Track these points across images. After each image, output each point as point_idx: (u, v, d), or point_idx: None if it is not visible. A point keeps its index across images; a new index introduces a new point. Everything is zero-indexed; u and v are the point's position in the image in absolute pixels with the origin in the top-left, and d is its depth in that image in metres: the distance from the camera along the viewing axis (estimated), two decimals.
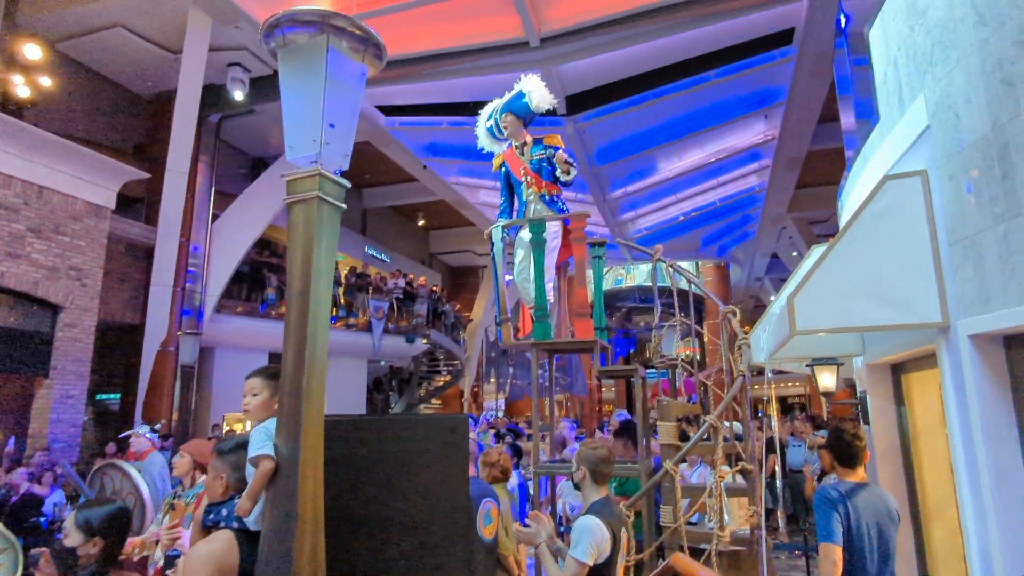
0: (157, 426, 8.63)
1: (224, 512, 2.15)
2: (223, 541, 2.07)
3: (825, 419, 14.07)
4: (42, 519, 6.42)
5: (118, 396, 10.76)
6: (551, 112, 4.95)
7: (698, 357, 19.79)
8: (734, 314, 4.81)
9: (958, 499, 2.71)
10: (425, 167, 13.47)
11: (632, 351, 25.42)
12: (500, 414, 21.69)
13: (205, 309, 11.01)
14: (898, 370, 3.88)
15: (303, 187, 2.19)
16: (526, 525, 3.14)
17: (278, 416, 2.15)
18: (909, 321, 2.75)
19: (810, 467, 8.76)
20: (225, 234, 11.49)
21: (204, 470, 3.59)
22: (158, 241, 10.56)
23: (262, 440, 2.12)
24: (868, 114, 4.11)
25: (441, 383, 19.57)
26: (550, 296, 4.69)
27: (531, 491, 5.26)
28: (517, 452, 6.44)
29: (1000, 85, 2.29)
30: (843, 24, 6.13)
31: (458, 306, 20.17)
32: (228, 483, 2.21)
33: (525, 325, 4.93)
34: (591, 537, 2.79)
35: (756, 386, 12.29)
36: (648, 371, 6.30)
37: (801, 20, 8.70)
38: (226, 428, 10.59)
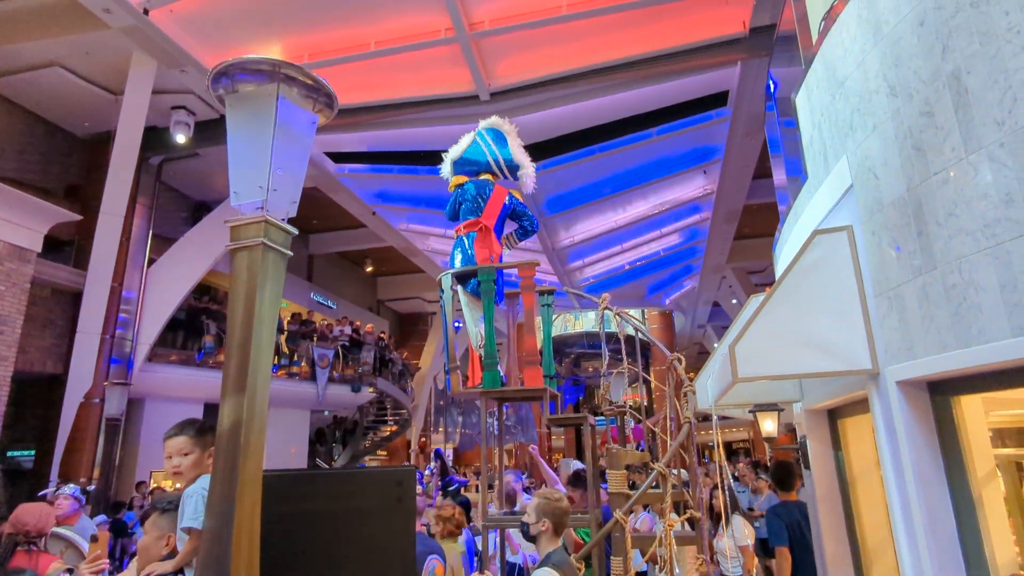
0: (87, 486, 8.01)
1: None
2: None
3: (768, 464, 14.36)
4: None
5: (32, 453, 9.95)
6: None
7: (646, 403, 20.01)
8: (680, 361, 4.91)
9: (895, 543, 2.79)
10: (374, 213, 13.44)
11: (581, 398, 25.52)
12: (450, 463, 21.21)
13: (136, 358, 10.46)
14: (835, 415, 4.02)
15: (248, 233, 2.14)
16: None
17: (212, 474, 2.04)
18: (842, 368, 2.87)
19: (757, 511, 8.91)
20: (162, 279, 11.05)
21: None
22: (87, 286, 10.04)
23: (198, 507, 2.01)
24: (798, 171, 4.38)
25: (387, 433, 19.02)
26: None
27: (478, 546, 5.11)
28: (466, 507, 6.27)
29: (912, 150, 2.49)
30: (772, 89, 6.57)
31: (406, 354, 19.86)
32: (174, 544, 2.07)
33: (475, 373, 4.89)
34: None
35: (702, 432, 12.48)
36: (597, 419, 6.32)
37: (734, 84, 9.29)
38: (152, 485, 9.92)
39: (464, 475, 15.26)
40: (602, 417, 6.50)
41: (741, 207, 13.13)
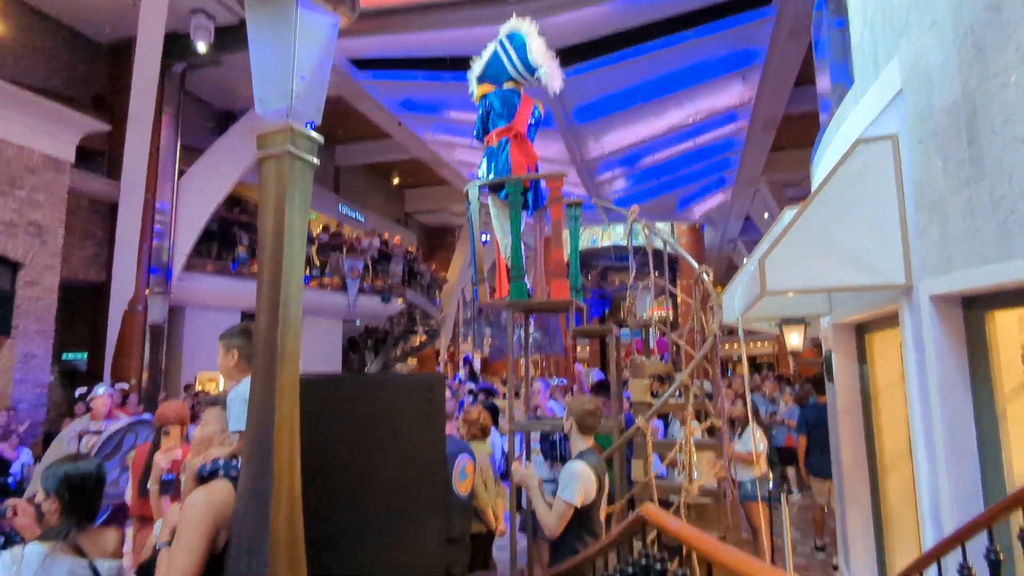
0: (128, 387, 8.53)
1: (221, 461, 2.16)
2: (223, 490, 2.09)
3: (792, 377, 14.51)
4: (10, 479, 6.36)
5: (85, 356, 10.56)
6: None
7: (671, 317, 20.13)
8: (707, 273, 4.89)
9: (913, 452, 2.85)
10: (400, 123, 13.19)
11: (607, 311, 25.71)
12: (479, 371, 21.91)
13: (174, 268, 10.78)
14: (862, 330, 4.00)
15: (274, 142, 2.13)
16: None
17: (252, 380, 2.14)
18: (874, 282, 2.82)
19: (780, 418, 9.12)
20: (192, 190, 11.17)
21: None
22: (122, 197, 10.22)
23: (239, 411, 2.14)
24: (844, 77, 4.12)
25: (417, 343, 19.61)
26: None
27: (507, 449, 5.36)
28: (493, 410, 6.53)
29: (971, 50, 2.31)
30: None
31: (434, 266, 20.11)
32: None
33: (502, 286, 4.94)
34: (579, 481, 2.98)
35: (727, 345, 12.59)
36: (622, 331, 6.41)
37: None
38: (198, 387, 10.51)
39: (493, 383, 15.80)
40: (627, 329, 6.59)
41: (780, 115, 12.52)
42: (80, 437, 4.82)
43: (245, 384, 2.22)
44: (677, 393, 4.14)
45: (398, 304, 16.06)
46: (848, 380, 4.10)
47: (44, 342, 8.79)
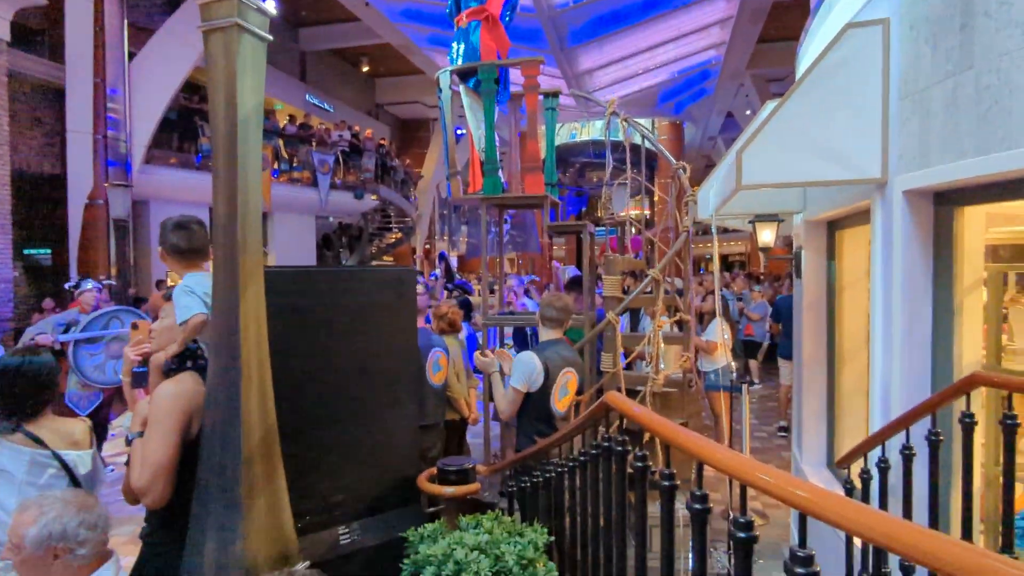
0: (105, 279, 8.37)
1: (187, 351, 2.15)
2: (193, 381, 2.09)
3: (761, 275, 14.86)
4: None
5: (49, 251, 10.27)
6: None
7: (647, 215, 20.15)
8: (684, 170, 4.81)
9: (870, 344, 2.95)
10: (368, 3, 12.27)
11: (584, 209, 25.60)
12: (455, 268, 21.98)
13: (133, 160, 10.29)
14: (833, 227, 4.03)
15: (219, 12, 1.95)
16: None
17: (214, 267, 2.08)
18: (850, 177, 2.79)
19: (749, 312, 9.43)
20: (145, 75, 10.42)
21: None
22: (68, 81, 9.54)
23: (184, 300, 2.09)
24: None
25: (392, 240, 19.47)
26: None
27: (480, 342, 5.47)
28: (466, 306, 6.60)
29: None
30: None
31: (408, 161, 19.55)
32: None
33: (475, 180, 4.81)
34: (523, 368, 3.19)
35: (700, 244, 12.73)
36: (597, 229, 6.39)
37: None
38: (170, 283, 10.36)
39: (469, 280, 15.90)
40: (603, 227, 6.57)
41: (769, 5, 11.92)
42: (68, 328, 4.80)
43: (187, 279, 2.16)
44: (649, 288, 4.19)
45: (371, 200, 15.74)
46: (815, 276, 4.18)
47: (2, 236, 8.50)
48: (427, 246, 22.40)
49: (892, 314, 2.66)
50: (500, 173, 4.60)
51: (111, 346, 5.04)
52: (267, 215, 13.72)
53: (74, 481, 2.16)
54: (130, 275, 10.40)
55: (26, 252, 9.86)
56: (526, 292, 8.86)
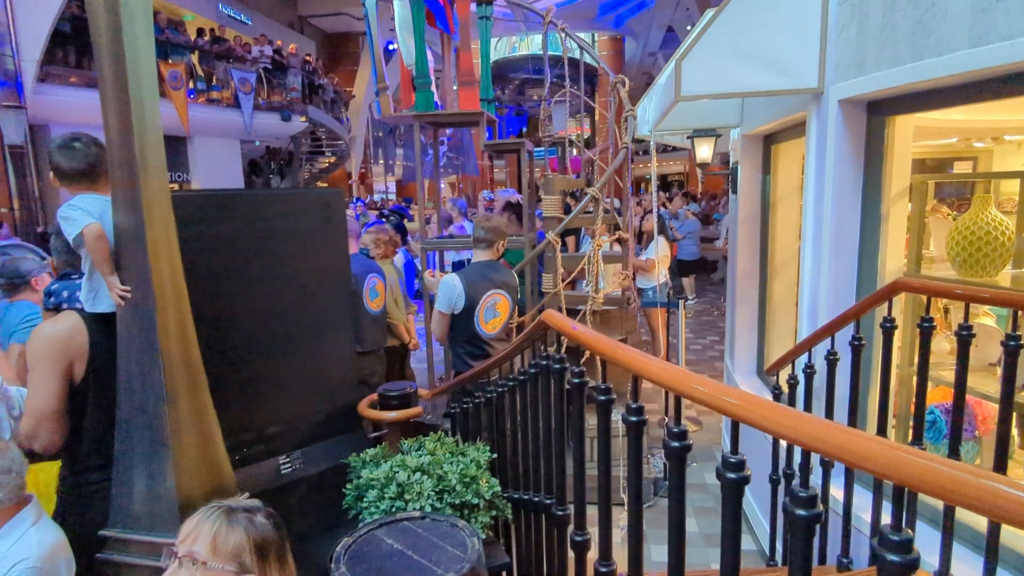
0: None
1: (65, 293, 1.97)
2: (71, 320, 1.91)
3: (698, 195, 15.13)
4: None
5: None
6: None
7: (588, 134, 19.93)
8: (623, 84, 4.69)
9: (800, 254, 3.03)
10: None
11: (524, 129, 25.06)
12: (391, 196, 21.39)
13: (24, 78, 9.25)
14: (769, 141, 4.04)
15: None
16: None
17: (112, 195, 1.88)
18: (787, 86, 2.76)
19: (679, 235, 9.61)
20: None
21: None
22: None
23: (73, 215, 1.88)
24: None
25: (326, 165, 18.63)
26: None
27: (419, 267, 5.37)
28: (402, 231, 6.43)
29: None
30: None
31: (337, 80, 18.43)
32: (56, 265, 2.00)
33: (407, 96, 4.55)
34: (444, 291, 3.22)
35: (640, 165, 12.75)
36: (537, 149, 6.23)
37: None
38: None
39: (404, 206, 15.51)
40: (543, 147, 6.42)
41: None
42: None
43: (74, 199, 1.94)
44: (589, 208, 4.15)
45: (300, 123, 14.86)
46: (751, 191, 4.22)
47: None
48: (362, 170, 21.61)
49: (822, 224, 2.72)
50: (433, 89, 4.36)
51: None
52: (185, 139, 12.78)
53: None
54: (36, 208, 9.58)
55: None
56: (464, 215, 8.70)
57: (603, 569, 1.37)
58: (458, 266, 6.58)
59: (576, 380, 1.44)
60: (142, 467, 1.91)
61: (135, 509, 1.92)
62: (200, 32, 13.80)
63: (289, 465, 2.61)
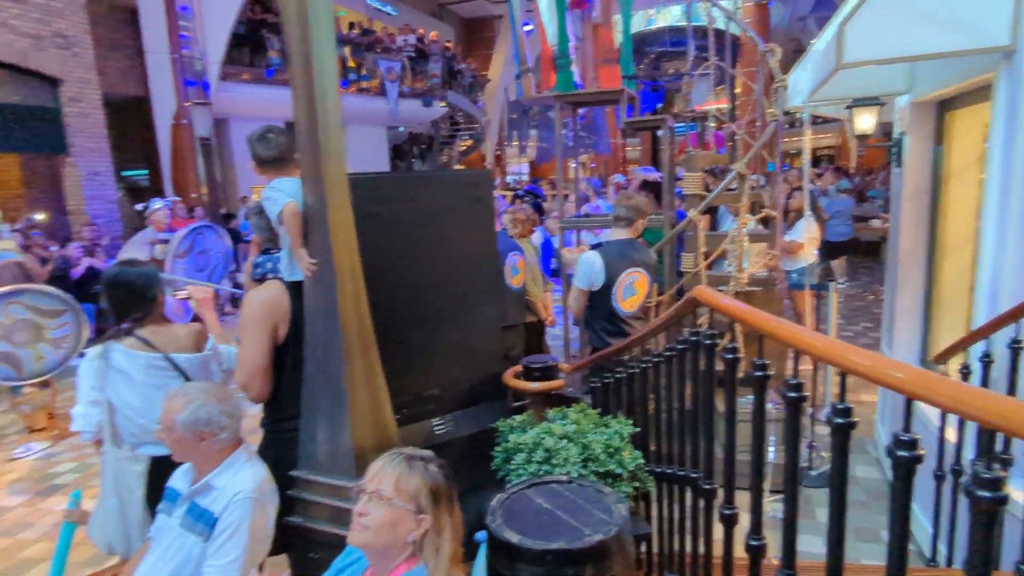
0: (175, 198, 8.78)
1: (268, 265, 2.28)
2: (276, 288, 2.22)
3: (851, 170, 13.85)
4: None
5: (145, 172, 10.89)
6: None
7: (729, 108, 18.83)
8: (773, 53, 4.43)
9: (980, 233, 2.73)
10: None
11: (660, 105, 24.21)
12: (524, 177, 21.75)
13: (210, 77, 10.51)
14: (943, 107, 3.65)
15: None
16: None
17: (302, 176, 2.14)
18: (972, 46, 2.48)
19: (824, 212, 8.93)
20: None
21: None
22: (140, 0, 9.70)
23: (274, 195, 2.16)
24: None
25: (463, 148, 19.31)
26: None
27: (556, 245, 5.48)
28: (539, 210, 6.56)
29: None
30: None
31: (474, 64, 18.96)
32: (257, 241, 2.32)
33: (548, 77, 4.63)
34: (583, 268, 3.25)
35: (786, 139, 11.86)
36: (677, 126, 6.06)
37: None
38: (254, 198, 10.88)
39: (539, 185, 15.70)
40: (682, 124, 6.23)
41: None
42: (153, 244, 5.18)
43: (273, 182, 2.22)
44: (733, 185, 4.00)
45: (440, 108, 15.52)
46: (919, 164, 3.84)
47: (103, 159, 9.05)
48: (497, 152, 22.11)
49: (1009, 201, 2.44)
50: (573, 68, 4.39)
51: (197, 259, 5.38)
52: None
53: (187, 380, 2.39)
54: (219, 193, 10.92)
55: (124, 174, 10.50)
56: (599, 194, 8.68)
57: (754, 543, 1.39)
58: (594, 243, 6.61)
59: (729, 356, 1.45)
60: (324, 419, 2.18)
61: (319, 455, 2.20)
62: (351, 26, 14.80)
63: (442, 427, 2.84)
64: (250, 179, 11.83)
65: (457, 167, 19.53)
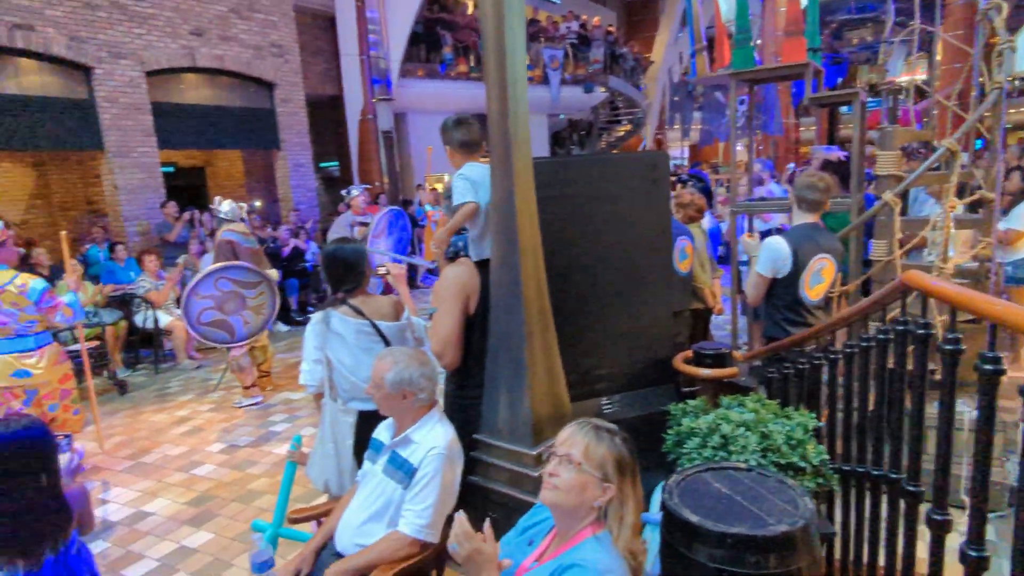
0: (367, 185, 9.73)
1: (460, 244, 2.48)
2: (468, 265, 2.42)
3: None
4: (307, 264, 8.02)
5: (336, 164, 12.16)
6: None
7: (929, 77, 16.53)
8: (998, 10, 3.84)
9: None
10: None
11: (841, 80, 21.98)
12: (684, 162, 20.96)
13: (392, 75, 11.43)
14: None
15: None
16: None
17: (491, 163, 2.28)
18: None
19: None
20: None
21: None
22: (337, 8, 10.78)
23: (461, 187, 2.33)
24: None
25: (622, 133, 19.04)
26: None
27: (724, 231, 5.25)
28: (707, 194, 6.32)
29: None
30: None
31: (636, 47, 18.54)
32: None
33: (723, 54, 4.44)
34: (768, 254, 3.06)
35: (1013, 110, 10.11)
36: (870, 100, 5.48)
37: None
38: (428, 187, 11.63)
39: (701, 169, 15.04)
40: (875, 99, 5.63)
41: None
42: (353, 227, 5.83)
43: (464, 168, 2.40)
44: (937, 164, 3.56)
45: (600, 93, 15.42)
46: None
47: (305, 152, 10.29)
48: (658, 136, 21.51)
49: None
50: (751, 44, 4.17)
51: (389, 240, 5.94)
52: None
53: (387, 345, 2.67)
54: (398, 181, 11.89)
55: (321, 166, 11.81)
56: (773, 178, 8.13)
57: (973, 553, 1.27)
58: (765, 235, 6.24)
59: (949, 347, 1.32)
60: (505, 389, 2.34)
61: (499, 422, 2.36)
62: None
63: (611, 407, 2.90)
64: (422, 169, 12.72)
65: (615, 152, 19.30)
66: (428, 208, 9.44)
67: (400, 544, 1.96)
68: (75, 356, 4.46)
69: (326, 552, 2.14)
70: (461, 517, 1.38)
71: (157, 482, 3.90)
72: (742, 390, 2.66)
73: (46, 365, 3.54)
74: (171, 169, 9.76)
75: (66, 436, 3.73)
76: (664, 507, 1.83)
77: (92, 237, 7.49)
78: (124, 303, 6.27)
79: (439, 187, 12.53)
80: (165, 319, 6.32)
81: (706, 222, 5.34)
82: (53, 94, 7.38)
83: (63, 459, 3.44)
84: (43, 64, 7.27)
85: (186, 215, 7.54)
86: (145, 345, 6.52)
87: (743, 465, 1.98)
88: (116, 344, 6.16)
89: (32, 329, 3.51)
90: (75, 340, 5.05)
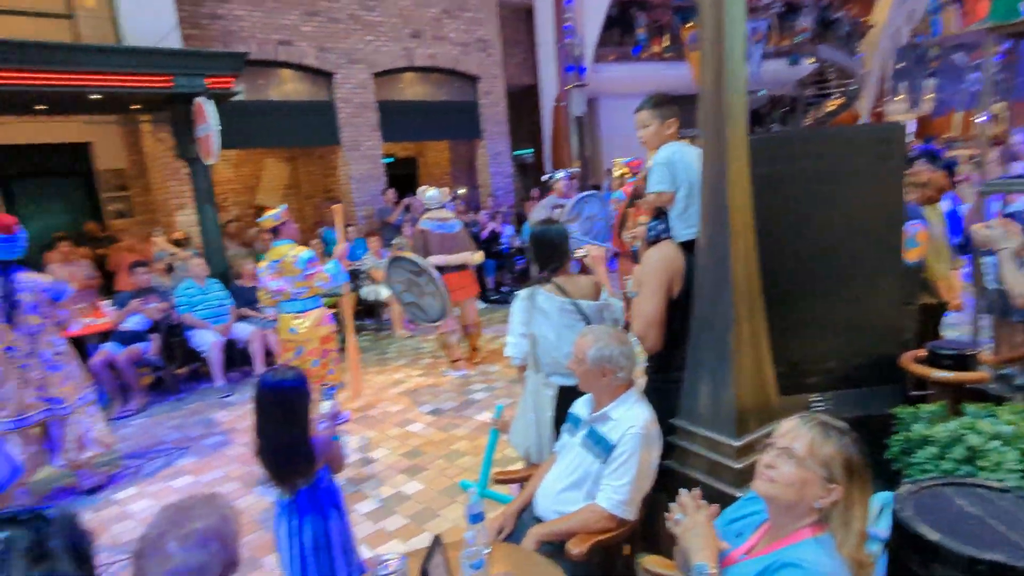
0: (572, 170, 9.93)
1: (660, 227, 2.45)
2: (672, 247, 2.39)
3: None
4: (502, 246, 8.49)
5: (531, 151, 12.60)
6: None
7: None
8: None
9: None
10: None
11: None
12: (911, 137, 18.25)
13: (585, 61, 11.49)
14: None
15: None
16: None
17: (704, 142, 2.21)
18: None
19: None
20: None
21: None
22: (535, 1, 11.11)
23: (659, 175, 2.28)
24: None
25: (832, 107, 17.08)
26: None
27: (966, 214, 4.50)
28: (950, 171, 5.45)
29: None
30: None
31: (854, 10, 16.44)
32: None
33: (976, 6, 3.78)
34: None
35: None
36: None
37: None
38: (617, 172, 11.54)
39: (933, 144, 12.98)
40: None
41: None
42: (553, 209, 6.07)
43: (663, 149, 2.34)
44: None
45: (808, 65, 13.96)
46: None
47: (503, 141, 10.84)
48: (877, 109, 18.96)
49: None
50: None
51: (584, 224, 6.01)
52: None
53: (587, 324, 2.73)
54: (588, 166, 12.00)
55: (515, 153, 12.34)
56: None
57: None
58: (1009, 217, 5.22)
59: None
60: (708, 375, 2.27)
61: (700, 408, 2.30)
62: None
63: (822, 404, 2.67)
64: (612, 153, 12.65)
65: None
66: (615, 196, 9.40)
67: (598, 516, 2.02)
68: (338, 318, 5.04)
69: (526, 514, 2.28)
70: (696, 492, 1.38)
71: (379, 433, 4.45)
72: (990, 398, 2.30)
73: (310, 326, 4.17)
74: (391, 160, 10.88)
75: (332, 387, 4.36)
76: (896, 519, 1.66)
77: (329, 220, 8.68)
78: (353, 277, 7.19)
79: (625, 171, 12.40)
80: (384, 293, 7.12)
81: (945, 204, 4.64)
82: (304, 98, 8.66)
83: (326, 405, 4.08)
84: (296, 73, 8.55)
85: (405, 201, 8.39)
86: (368, 315, 7.44)
87: (996, 484, 1.73)
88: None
89: (303, 294, 4.15)
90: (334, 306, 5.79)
